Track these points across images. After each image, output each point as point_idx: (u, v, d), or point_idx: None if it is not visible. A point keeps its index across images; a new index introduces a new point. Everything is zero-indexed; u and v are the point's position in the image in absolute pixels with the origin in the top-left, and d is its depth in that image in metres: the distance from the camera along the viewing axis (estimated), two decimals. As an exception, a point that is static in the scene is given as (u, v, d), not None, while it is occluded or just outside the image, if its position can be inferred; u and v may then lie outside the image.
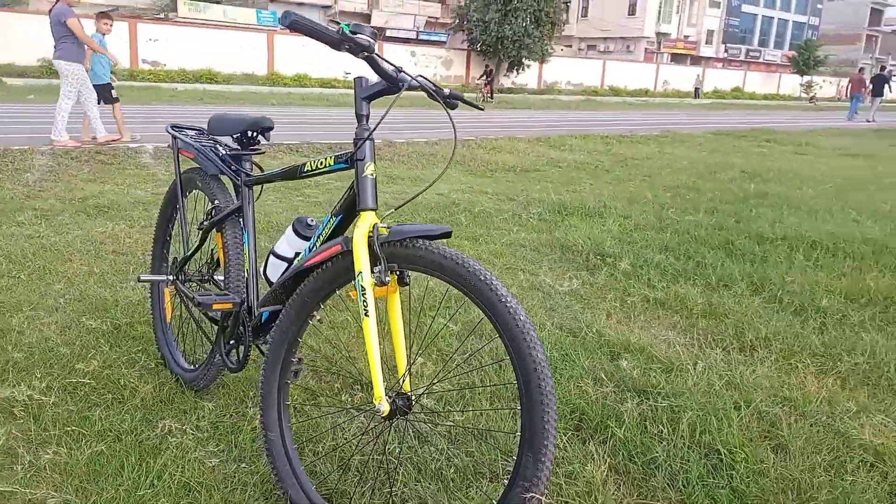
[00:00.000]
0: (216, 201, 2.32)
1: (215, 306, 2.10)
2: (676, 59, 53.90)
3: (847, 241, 4.71)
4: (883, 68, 36.44)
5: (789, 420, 2.28)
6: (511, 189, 6.79)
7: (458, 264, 1.55)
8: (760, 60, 60.08)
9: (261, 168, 2.26)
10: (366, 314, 1.64)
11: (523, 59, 32.31)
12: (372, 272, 1.64)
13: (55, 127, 7.84)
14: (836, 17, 67.32)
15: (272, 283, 2.04)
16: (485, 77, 26.95)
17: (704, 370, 2.64)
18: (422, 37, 40.53)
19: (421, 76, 1.74)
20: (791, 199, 6.53)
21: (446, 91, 1.81)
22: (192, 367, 2.49)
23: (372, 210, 1.70)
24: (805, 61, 48.02)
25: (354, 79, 1.76)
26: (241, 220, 2.23)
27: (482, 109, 2.14)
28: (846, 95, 30.52)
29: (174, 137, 2.47)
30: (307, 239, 1.97)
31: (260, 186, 2.22)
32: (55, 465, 1.93)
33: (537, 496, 1.47)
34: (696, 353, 2.85)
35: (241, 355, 2.14)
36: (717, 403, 2.35)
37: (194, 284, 2.49)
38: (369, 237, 1.65)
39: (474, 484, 1.92)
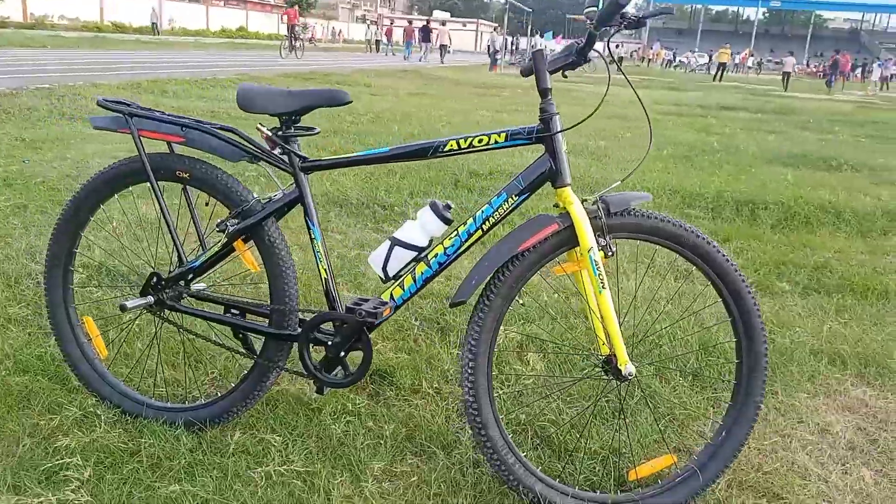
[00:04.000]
0: (235, 197, 1.87)
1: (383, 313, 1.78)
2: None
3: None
4: (429, 22, 41.40)
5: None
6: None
7: (679, 227, 1.72)
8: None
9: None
10: (602, 287, 1.69)
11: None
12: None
13: None
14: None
15: (391, 278, 1.81)
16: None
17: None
18: None
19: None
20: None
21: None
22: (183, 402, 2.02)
23: (569, 185, 1.71)
24: (298, 2, 51.23)
25: (534, 52, 1.70)
26: (304, 213, 1.86)
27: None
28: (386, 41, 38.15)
29: (127, 116, 1.85)
30: (448, 221, 1.80)
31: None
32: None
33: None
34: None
35: (344, 367, 1.86)
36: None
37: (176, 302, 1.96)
38: (591, 211, 1.68)
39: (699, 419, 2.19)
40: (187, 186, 1.98)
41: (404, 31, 37.40)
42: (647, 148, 1.89)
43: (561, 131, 1.70)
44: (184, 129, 1.87)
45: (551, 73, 1.70)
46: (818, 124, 12.28)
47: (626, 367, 1.72)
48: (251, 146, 1.86)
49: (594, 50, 1.70)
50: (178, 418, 1.98)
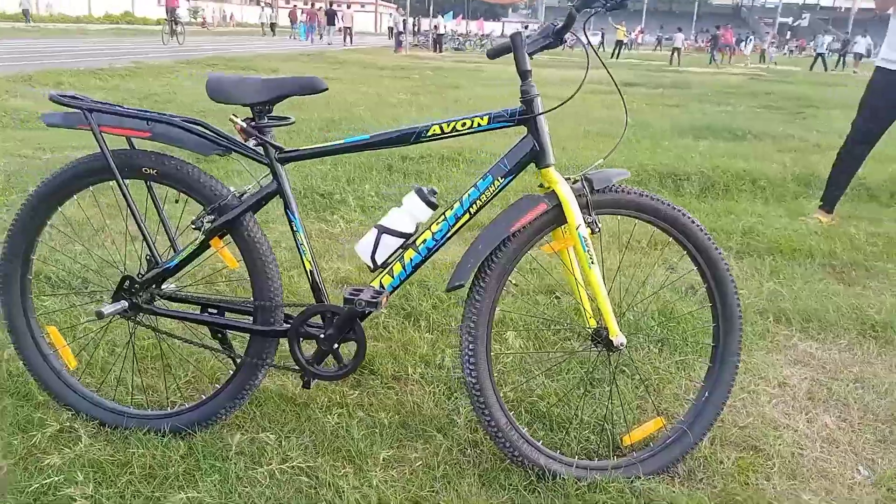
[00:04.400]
0: (209, 192, 1.81)
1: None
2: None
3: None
4: (332, 4, 40.40)
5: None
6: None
7: (657, 201, 1.80)
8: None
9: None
10: (591, 263, 1.74)
11: None
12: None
13: None
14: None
15: (379, 266, 1.81)
16: None
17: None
18: None
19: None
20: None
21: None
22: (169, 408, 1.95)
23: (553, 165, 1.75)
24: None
25: (513, 34, 1.72)
26: (284, 205, 1.82)
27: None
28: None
29: (86, 111, 1.75)
30: (434, 206, 1.80)
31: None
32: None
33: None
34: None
35: (337, 358, 1.84)
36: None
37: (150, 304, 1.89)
38: (576, 189, 1.73)
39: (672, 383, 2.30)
40: (151, 183, 1.90)
41: (307, 13, 36.79)
42: (623, 129, 1.95)
43: (543, 112, 1.73)
44: (149, 122, 1.79)
45: (530, 55, 1.72)
46: (715, 97, 12.90)
47: (617, 337, 1.78)
48: (223, 138, 1.79)
49: (571, 32, 1.73)
50: (163, 425, 1.90)
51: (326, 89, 1.77)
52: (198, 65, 14.41)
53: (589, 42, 1.76)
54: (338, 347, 1.83)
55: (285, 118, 1.84)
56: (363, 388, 2.20)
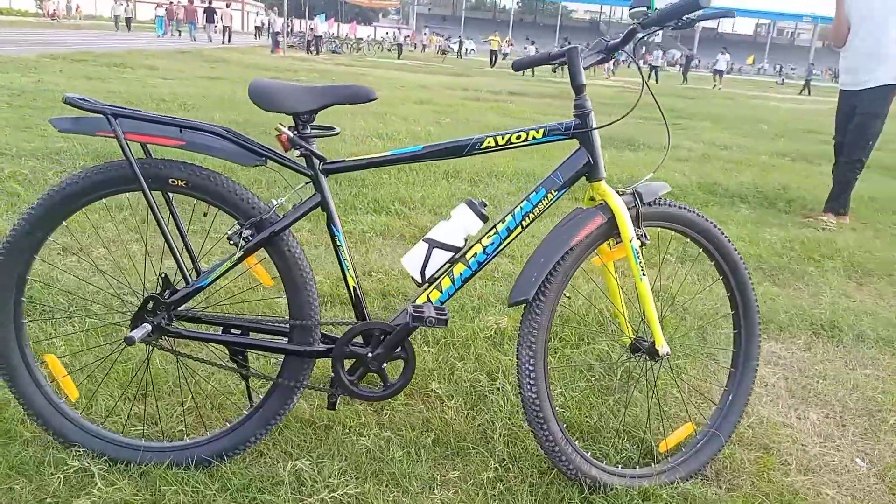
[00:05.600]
0: (245, 205, 1.68)
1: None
2: None
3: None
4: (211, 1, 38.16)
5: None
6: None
7: (695, 215, 1.87)
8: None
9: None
10: (643, 274, 1.78)
11: None
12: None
13: None
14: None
15: (427, 281, 1.75)
16: None
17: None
18: None
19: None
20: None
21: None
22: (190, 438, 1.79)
23: (604, 178, 1.78)
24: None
25: (569, 49, 1.73)
26: (327, 218, 1.72)
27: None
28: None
29: (110, 116, 1.58)
30: (485, 219, 1.77)
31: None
32: None
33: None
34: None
35: (383, 378, 1.76)
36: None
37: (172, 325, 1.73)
38: (627, 202, 1.76)
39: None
40: (170, 195, 1.74)
41: (185, 10, 35.16)
42: (667, 146, 1.99)
43: (598, 127, 1.75)
44: (182, 130, 1.63)
45: (585, 69, 1.74)
46: (599, 108, 13.47)
47: (662, 347, 1.83)
48: (263, 148, 1.67)
49: (622, 50, 1.76)
50: (186, 457, 1.74)
51: (376, 98, 1.69)
52: (63, 60, 13.31)
53: (634, 58, 1.80)
54: (384, 367, 1.76)
55: (330, 128, 1.74)
56: (382, 407, 2.11)
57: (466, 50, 46.21)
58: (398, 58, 33.73)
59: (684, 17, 1.62)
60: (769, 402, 2.39)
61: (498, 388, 2.24)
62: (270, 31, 30.74)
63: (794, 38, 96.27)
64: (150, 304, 1.69)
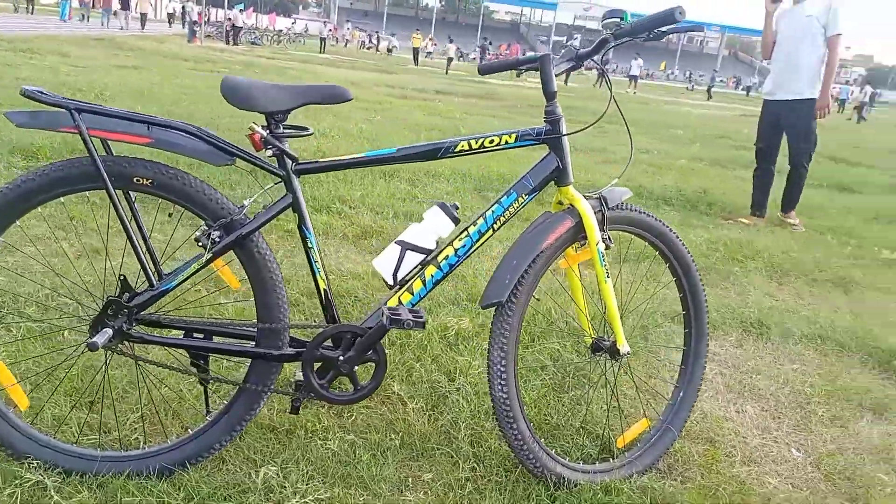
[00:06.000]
0: (214, 206, 1.64)
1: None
2: None
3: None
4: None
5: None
6: None
7: (653, 219, 1.96)
8: None
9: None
10: (608, 276, 1.85)
11: None
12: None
13: None
14: None
15: (399, 284, 1.76)
16: None
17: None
18: None
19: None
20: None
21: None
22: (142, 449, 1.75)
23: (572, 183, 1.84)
24: None
25: (542, 56, 1.76)
26: (298, 220, 1.70)
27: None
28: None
29: (73, 111, 1.51)
30: (456, 221, 1.79)
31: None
32: None
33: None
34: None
35: (353, 381, 1.75)
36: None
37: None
38: (594, 207, 1.82)
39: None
40: (132, 195, 1.67)
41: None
42: (630, 152, 2.02)
43: (568, 134, 1.80)
44: (150, 127, 1.57)
45: (556, 76, 1.78)
46: (527, 110, 13.77)
47: (624, 346, 1.90)
48: (234, 147, 1.63)
49: (591, 60, 1.82)
50: (147, 466, 1.68)
51: (351, 99, 1.68)
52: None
53: (604, 69, 1.86)
54: (355, 370, 1.75)
55: (304, 128, 1.72)
56: (343, 410, 2.10)
57: (394, 48, 45.94)
58: (321, 52, 33.20)
59: (656, 30, 1.68)
60: (710, 397, 2.51)
61: (458, 389, 2.26)
62: (187, 19, 29.58)
63: (703, 45, 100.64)
64: (112, 308, 1.62)
